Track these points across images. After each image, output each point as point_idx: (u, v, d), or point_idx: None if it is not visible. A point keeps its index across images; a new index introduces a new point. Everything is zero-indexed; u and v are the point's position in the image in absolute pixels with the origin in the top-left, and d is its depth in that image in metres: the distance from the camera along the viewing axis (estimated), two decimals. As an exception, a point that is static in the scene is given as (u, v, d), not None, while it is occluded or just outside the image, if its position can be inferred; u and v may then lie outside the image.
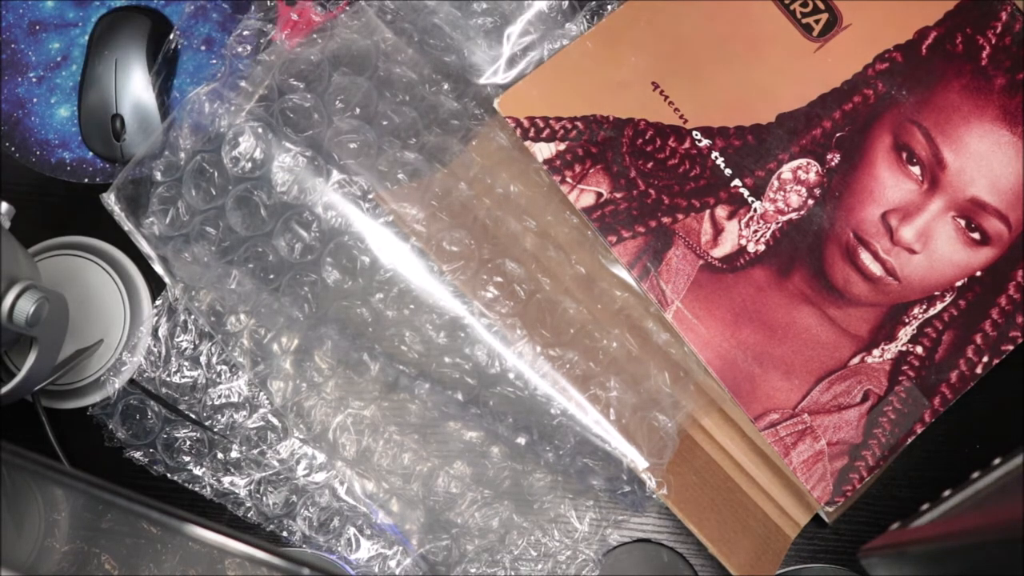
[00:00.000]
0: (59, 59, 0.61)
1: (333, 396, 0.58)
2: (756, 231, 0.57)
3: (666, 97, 0.58)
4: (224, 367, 0.59)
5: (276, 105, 0.56)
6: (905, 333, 0.57)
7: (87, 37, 0.61)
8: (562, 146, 0.57)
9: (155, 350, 0.60)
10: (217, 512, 0.59)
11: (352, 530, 0.58)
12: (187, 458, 0.59)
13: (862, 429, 0.55)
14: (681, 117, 0.58)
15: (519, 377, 0.54)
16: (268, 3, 0.60)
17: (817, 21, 0.60)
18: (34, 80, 0.61)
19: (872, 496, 0.59)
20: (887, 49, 0.60)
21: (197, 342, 0.60)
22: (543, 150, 0.57)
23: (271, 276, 0.56)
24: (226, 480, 0.58)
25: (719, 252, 0.57)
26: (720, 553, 0.55)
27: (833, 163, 0.58)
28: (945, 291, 0.57)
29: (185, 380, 0.59)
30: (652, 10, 0.60)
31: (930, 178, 0.58)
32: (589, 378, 0.54)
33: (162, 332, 0.60)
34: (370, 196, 0.55)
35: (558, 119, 0.58)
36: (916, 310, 0.57)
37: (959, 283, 0.57)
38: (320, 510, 0.58)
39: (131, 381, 0.59)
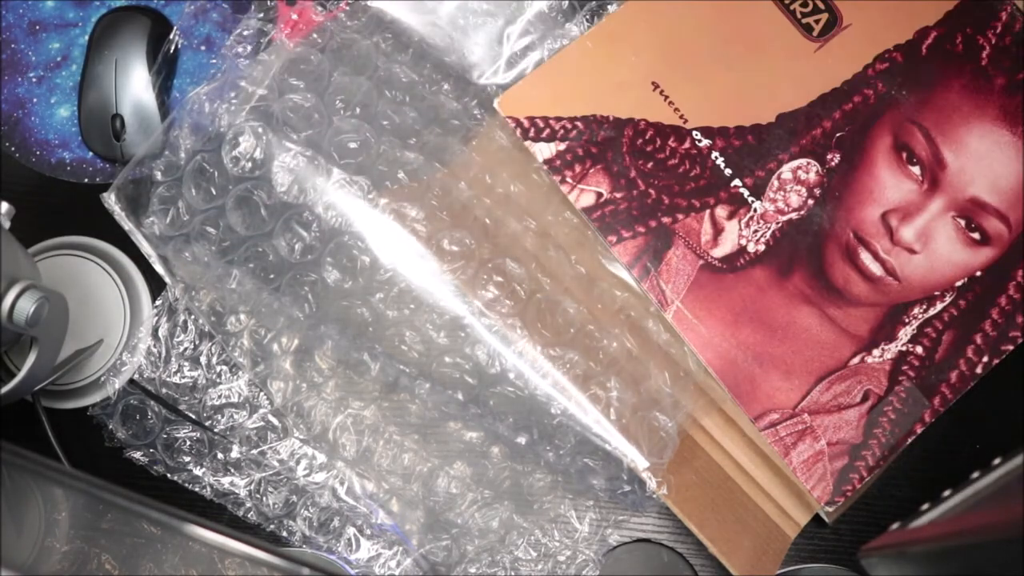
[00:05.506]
0: (59, 59, 0.61)
1: (333, 396, 0.58)
2: (756, 231, 0.57)
3: (666, 97, 0.58)
4: (224, 367, 0.59)
5: (276, 105, 0.56)
6: (905, 333, 0.57)
7: (87, 37, 0.61)
8: (562, 146, 0.57)
9: (155, 350, 0.60)
10: (217, 512, 0.59)
11: (352, 530, 0.58)
12: (187, 458, 0.59)
13: (862, 429, 0.55)
14: (681, 117, 0.58)
15: (519, 377, 0.54)
16: (268, 3, 0.60)
17: (817, 21, 0.60)
18: (34, 80, 0.61)
19: (872, 496, 0.59)
20: (887, 49, 0.60)
21: (197, 342, 0.60)
22: (543, 150, 0.57)
23: (271, 276, 0.56)
24: (226, 480, 0.58)
25: (719, 252, 0.57)
26: (720, 553, 0.55)
27: (833, 163, 0.58)
28: (945, 291, 0.57)
29: (185, 380, 0.59)
30: (652, 10, 0.60)
31: (930, 178, 0.58)
32: (589, 378, 0.54)
33: (162, 332, 0.60)
34: (370, 196, 0.55)
35: (558, 119, 0.58)
36: (916, 310, 0.57)
37: (959, 283, 0.57)
38: (320, 510, 0.58)
39: (131, 381, 0.59)
